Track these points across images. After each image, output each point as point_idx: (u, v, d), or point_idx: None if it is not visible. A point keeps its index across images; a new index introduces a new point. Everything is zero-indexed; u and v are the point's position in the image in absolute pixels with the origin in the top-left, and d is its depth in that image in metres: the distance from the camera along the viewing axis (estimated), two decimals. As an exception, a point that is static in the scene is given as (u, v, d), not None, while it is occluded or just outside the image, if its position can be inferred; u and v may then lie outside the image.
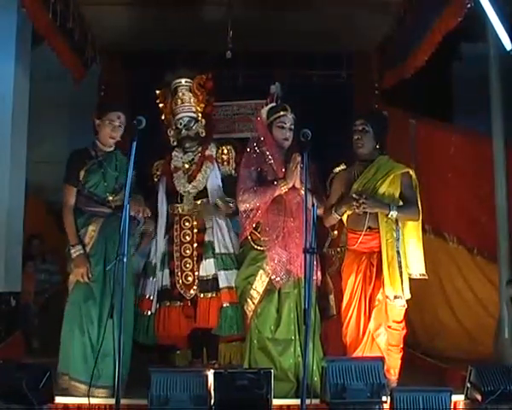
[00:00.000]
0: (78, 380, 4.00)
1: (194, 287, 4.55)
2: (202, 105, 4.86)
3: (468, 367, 3.92)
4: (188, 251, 4.62)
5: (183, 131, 4.74)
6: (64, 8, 5.50)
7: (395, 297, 4.12)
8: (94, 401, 3.83)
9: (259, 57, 6.91)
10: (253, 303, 4.24)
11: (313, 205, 3.62)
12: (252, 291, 4.25)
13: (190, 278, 4.57)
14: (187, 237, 4.65)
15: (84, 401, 3.84)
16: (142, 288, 4.64)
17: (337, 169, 4.62)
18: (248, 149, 4.43)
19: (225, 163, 4.81)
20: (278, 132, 4.35)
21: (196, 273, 4.57)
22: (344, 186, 4.37)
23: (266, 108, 4.45)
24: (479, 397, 3.78)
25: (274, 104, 4.45)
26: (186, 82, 4.81)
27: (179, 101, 4.78)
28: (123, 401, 3.42)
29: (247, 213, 4.31)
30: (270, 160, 4.34)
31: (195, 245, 4.63)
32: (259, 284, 4.24)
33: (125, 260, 3.36)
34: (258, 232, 4.31)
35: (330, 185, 4.57)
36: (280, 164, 4.31)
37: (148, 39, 6.55)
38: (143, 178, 4.69)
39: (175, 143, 4.81)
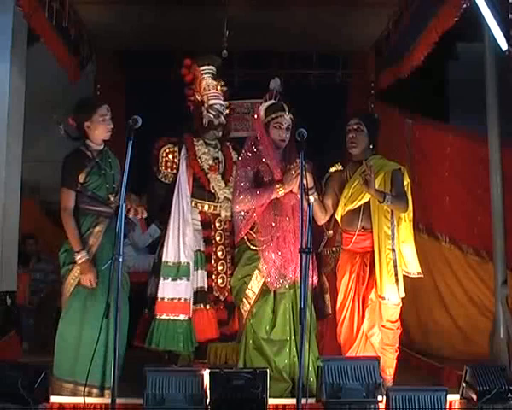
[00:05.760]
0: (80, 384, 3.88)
1: (227, 290, 4.50)
2: None
3: (463, 367, 3.94)
4: (221, 253, 4.55)
5: (221, 118, 4.54)
6: (60, 7, 5.50)
7: (388, 296, 4.11)
8: (89, 400, 3.80)
9: (255, 57, 6.91)
10: (249, 303, 4.22)
11: (309, 205, 3.61)
12: (247, 291, 4.23)
13: (223, 281, 4.51)
14: (218, 239, 4.56)
15: (79, 400, 3.82)
16: (168, 290, 4.34)
17: (332, 169, 4.58)
18: (245, 149, 4.38)
19: None
20: (275, 133, 4.28)
21: (228, 278, 4.49)
22: (338, 187, 4.38)
23: (264, 106, 4.37)
24: (474, 397, 3.81)
25: (272, 102, 4.35)
26: (213, 70, 4.63)
27: (209, 86, 4.57)
28: (119, 401, 3.41)
29: (242, 215, 4.28)
30: (266, 159, 4.29)
31: (228, 248, 4.54)
32: (255, 284, 4.22)
33: (120, 259, 3.35)
34: (254, 232, 4.28)
35: (325, 185, 4.55)
36: (276, 164, 4.27)
37: (144, 39, 6.55)
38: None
39: (206, 125, 4.53)
